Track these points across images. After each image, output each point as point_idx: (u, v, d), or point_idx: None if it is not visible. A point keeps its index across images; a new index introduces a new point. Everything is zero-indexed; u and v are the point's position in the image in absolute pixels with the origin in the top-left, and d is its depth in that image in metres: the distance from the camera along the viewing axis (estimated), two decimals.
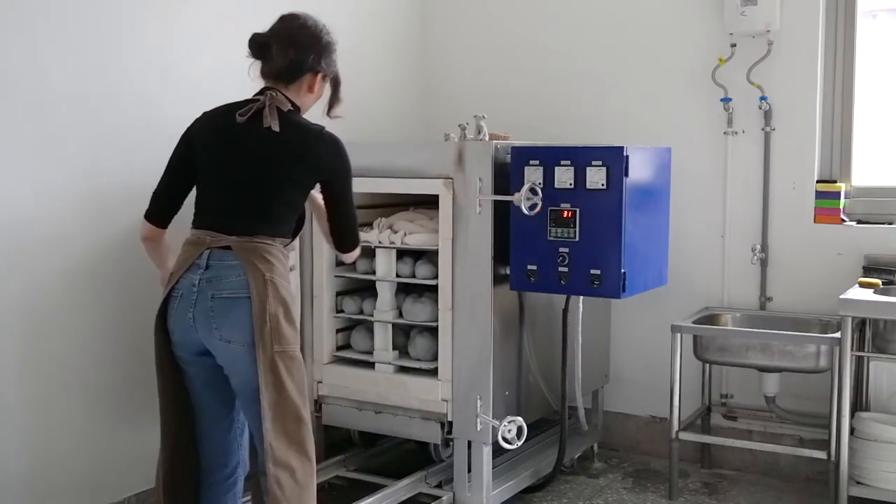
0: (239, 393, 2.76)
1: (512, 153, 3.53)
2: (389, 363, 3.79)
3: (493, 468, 3.65)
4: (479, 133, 3.60)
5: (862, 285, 3.75)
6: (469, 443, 3.58)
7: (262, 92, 2.84)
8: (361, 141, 4.39)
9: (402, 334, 3.87)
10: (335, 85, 3.01)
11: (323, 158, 2.81)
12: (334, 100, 3.02)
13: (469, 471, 3.59)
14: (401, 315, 3.81)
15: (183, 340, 2.76)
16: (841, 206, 4.13)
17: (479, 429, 3.52)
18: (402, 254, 3.82)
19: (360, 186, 3.73)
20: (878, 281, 3.77)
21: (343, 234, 2.96)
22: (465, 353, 3.56)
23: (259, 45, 2.86)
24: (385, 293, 3.81)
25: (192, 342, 2.74)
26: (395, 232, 3.78)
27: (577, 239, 3.43)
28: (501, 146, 3.54)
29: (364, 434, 4.05)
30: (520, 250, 3.52)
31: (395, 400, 3.74)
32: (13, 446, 3.16)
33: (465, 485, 3.60)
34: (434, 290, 3.70)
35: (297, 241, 2.95)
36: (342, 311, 3.94)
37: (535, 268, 3.50)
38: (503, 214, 3.51)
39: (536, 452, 4.04)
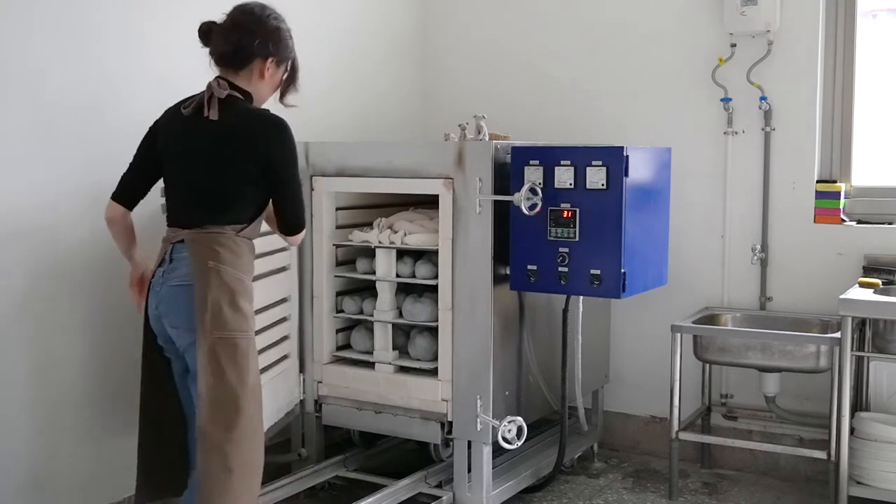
0: (192, 377, 2.80)
1: (512, 153, 3.53)
2: (389, 363, 3.78)
3: (493, 468, 3.64)
4: (479, 133, 3.60)
5: (862, 285, 3.75)
6: (469, 443, 3.58)
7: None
8: (362, 141, 4.42)
9: (402, 334, 3.87)
10: (292, 71, 3.01)
11: (264, 142, 2.78)
12: (288, 85, 3.01)
13: (469, 471, 3.59)
14: (401, 315, 3.81)
15: (156, 332, 2.85)
16: (841, 206, 4.13)
17: (479, 429, 3.52)
18: (402, 254, 3.82)
19: (361, 186, 3.77)
20: (878, 281, 3.77)
21: (286, 218, 2.90)
22: (465, 353, 3.56)
23: (203, 32, 2.87)
24: (385, 293, 3.81)
25: (161, 332, 2.83)
26: (395, 232, 3.77)
27: (577, 239, 3.43)
28: (501, 146, 3.54)
29: (364, 434, 4.05)
30: (520, 250, 3.52)
31: (395, 400, 3.74)
32: (17, 445, 3.17)
33: (465, 485, 3.60)
34: (434, 290, 3.70)
35: (259, 225, 2.92)
36: (342, 311, 3.94)
37: (535, 268, 3.50)
38: (503, 214, 3.51)
39: (536, 452, 4.04)
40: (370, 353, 3.86)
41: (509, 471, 3.84)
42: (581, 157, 3.43)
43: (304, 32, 4.27)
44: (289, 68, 3.00)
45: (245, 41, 2.84)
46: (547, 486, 4.00)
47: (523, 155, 3.51)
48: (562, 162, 3.44)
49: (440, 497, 3.60)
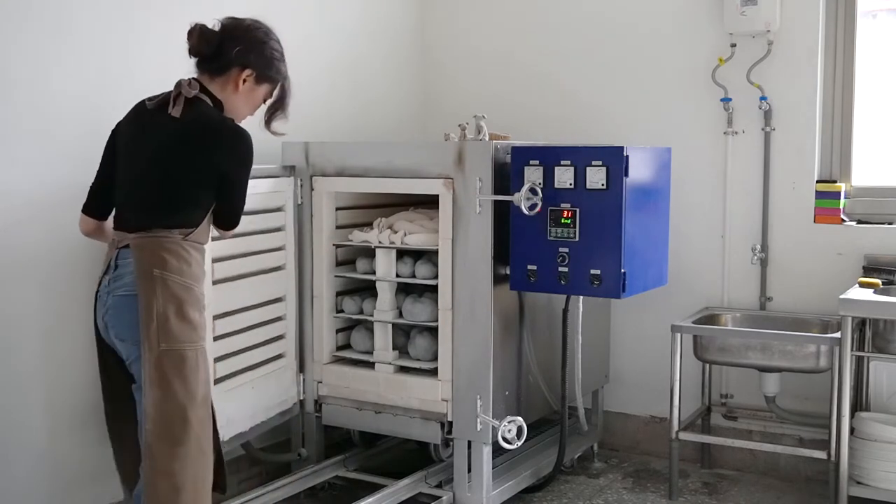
0: (137, 389, 2.71)
1: (512, 153, 3.53)
2: (389, 363, 3.78)
3: (493, 468, 3.65)
4: (479, 133, 3.60)
5: (862, 285, 3.76)
6: (469, 443, 3.58)
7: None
8: (362, 141, 4.42)
9: (402, 334, 3.87)
10: (280, 96, 2.93)
11: (220, 149, 2.70)
12: (275, 111, 2.94)
13: (469, 471, 3.59)
14: (401, 315, 3.81)
15: (106, 341, 2.78)
16: (841, 206, 4.13)
17: (479, 429, 3.52)
18: (402, 254, 3.82)
19: (361, 186, 3.77)
20: (878, 281, 3.77)
21: (226, 218, 2.83)
22: (465, 353, 3.56)
23: (189, 32, 2.78)
24: (385, 293, 3.81)
25: (111, 342, 2.76)
26: (395, 232, 3.77)
27: (577, 239, 3.43)
28: (501, 146, 3.54)
29: (364, 434, 4.05)
30: (520, 250, 3.52)
31: (395, 400, 3.74)
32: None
33: (465, 485, 3.60)
34: (434, 290, 3.70)
35: (209, 230, 2.80)
36: (342, 311, 3.94)
37: (535, 268, 3.50)
38: (503, 214, 3.51)
39: (536, 452, 4.04)
40: (370, 353, 3.85)
41: (509, 471, 3.84)
42: (581, 157, 3.43)
43: (305, 33, 4.31)
44: (276, 92, 2.93)
45: (225, 46, 2.77)
46: (547, 486, 4.00)
47: (523, 155, 3.51)
48: (562, 162, 3.44)
49: (440, 497, 3.60)
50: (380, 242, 3.79)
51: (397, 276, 3.80)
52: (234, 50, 2.77)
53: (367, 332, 3.89)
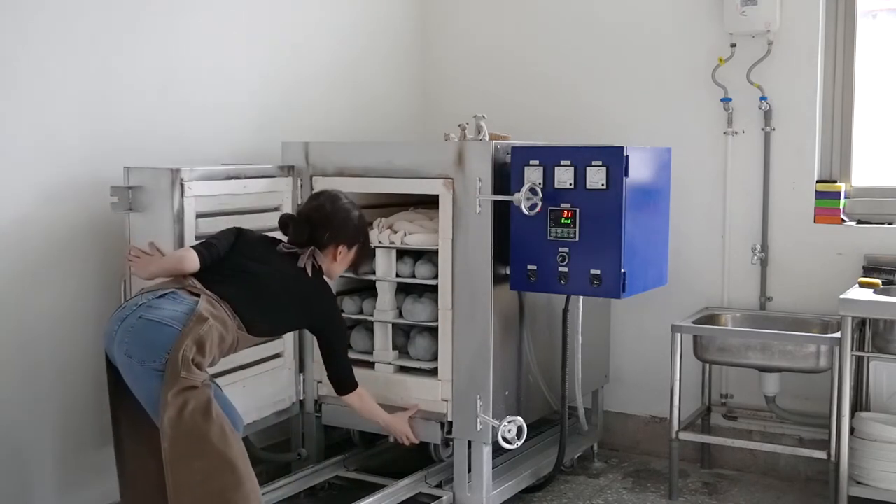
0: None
1: (512, 153, 3.53)
2: (389, 363, 3.78)
3: (493, 468, 3.65)
4: (479, 133, 3.60)
5: (862, 285, 3.75)
6: (469, 443, 3.58)
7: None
8: (362, 141, 4.42)
9: (402, 334, 3.87)
10: (364, 248, 3.46)
11: (319, 311, 3.33)
12: (361, 261, 3.49)
13: (469, 471, 3.59)
14: (401, 315, 3.80)
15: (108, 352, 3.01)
16: (841, 206, 4.13)
17: (479, 429, 3.52)
18: (402, 254, 3.82)
19: (361, 186, 3.77)
20: (878, 281, 3.77)
21: (331, 364, 3.42)
22: (465, 353, 3.56)
23: (282, 224, 3.36)
24: (385, 293, 3.81)
25: (112, 355, 2.98)
26: (395, 232, 3.77)
27: (577, 239, 3.43)
28: (501, 146, 3.54)
29: (364, 434, 4.05)
30: (520, 250, 3.52)
31: (394, 400, 3.72)
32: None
33: (465, 485, 3.60)
34: (434, 290, 3.70)
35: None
36: (342, 310, 3.92)
37: (535, 268, 3.50)
38: (503, 214, 3.50)
39: (536, 452, 4.03)
40: (370, 353, 3.85)
41: (509, 471, 3.84)
42: (581, 157, 3.42)
43: (305, 32, 4.32)
44: (361, 246, 3.39)
45: (317, 234, 3.25)
46: (547, 486, 4.00)
47: (523, 155, 3.51)
48: (562, 162, 3.44)
49: (440, 497, 3.60)
50: (379, 242, 3.78)
51: (397, 276, 3.79)
52: (325, 235, 3.27)
53: (367, 332, 3.89)
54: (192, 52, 3.73)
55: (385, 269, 3.81)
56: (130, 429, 2.99)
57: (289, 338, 3.81)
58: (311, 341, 3.87)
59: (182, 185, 3.23)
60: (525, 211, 3.37)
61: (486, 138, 3.58)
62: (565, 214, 3.44)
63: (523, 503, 3.90)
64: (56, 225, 3.25)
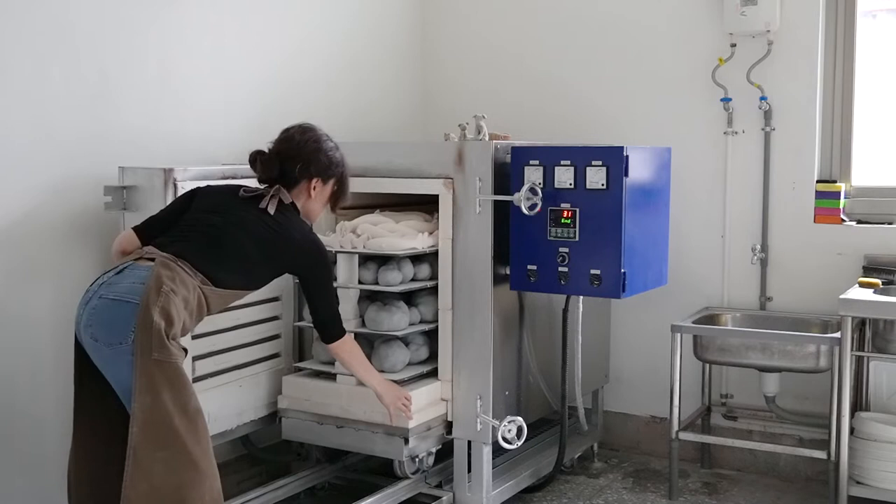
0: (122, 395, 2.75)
1: (512, 153, 3.53)
2: (351, 374, 3.48)
3: (493, 468, 3.64)
4: (479, 133, 3.59)
5: (862, 285, 3.75)
6: (469, 443, 3.58)
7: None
8: (362, 141, 4.41)
9: (367, 344, 3.59)
10: (340, 184, 3.19)
11: (301, 260, 3.05)
12: (338, 198, 3.21)
13: (469, 471, 3.59)
14: (364, 324, 3.59)
15: (78, 338, 2.83)
16: (841, 206, 4.13)
17: (479, 429, 3.52)
18: (365, 259, 3.60)
19: (361, 186, 3.76)
20: (878, 281, 3.77)
21: (319, 318, 3.15)
22: (465, 353, 3.56)
23: (251, 161, 3.09)
24: (347, 301, 3.54)
25: (82, 341, 2.81)
26: (358, 236, 3.55)
27: (577, 239, 3.43)
28: (501, 146, 3.54)
29: (328, 450, 3.83)
30: (520, 250, 3.52)
31: (357, 414, 3.50)
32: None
33: (464, 485, 3.60)
34: (399, 297, 3.56)
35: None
36: (302, 318, 3.71)
37: (535, 268, 3.50)
38: (503, 214, 3.50)
39: (536, 452, 4.04)
40: (331, 363, 3.60)
41: (509, 471, 3.84)
42: (581, 157, 3.43)
43: (305, 32, 4.31)
44: (337, 181, 3.15)
45: (287, 167, 3.02)
46: (547, 486, 4.00)
47: (523, 155, 3.51)
48: (562, 162, 3.44)
49: (440, 497, 3.60)
50: (341, 247, 3.57)
51: (360, 282, 3.58)
52: (295, 169, 3.03)
53: None
54: (192, 51, 3.73)
55: (346, 275, 3.59)
56: (88, 416, 2.84)
57: (287, 336, 3.80)
58: (310, 341, 3.87)
59: (175, 185, 3.22)
60: (525, 211, 3.37)
61: (486, 138, 3.58)
62: (565, 214, 3.44)
63: (523, 503, 3.90)
64: (56, 224, 3.25)
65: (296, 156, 3.03)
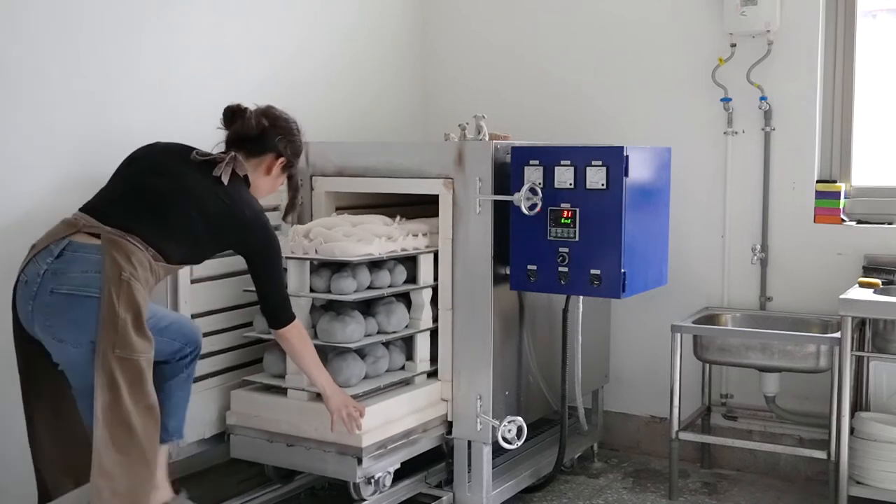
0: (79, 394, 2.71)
1: (512, 153, 3.53)
2: (303, 389, 3.33)
3: (493, 468, 3.64)
4: (479, 133, 3.59)
5: (862, 285, 3.75)
6: (469, 443, 3.58)
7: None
8: (362, 141, 4.42)
9: (320, 355, 3.25)
10: (293, 189, 3.14)
11: (251, 237, 2.95)
12: (293, 206, 3.17)
13: (469, 471, 3.59)
14: (315, 335, 3.37)
15: (26, 327, 2.74)
16: (841, 206, 4.13)
17: (479, 429, 3.52)
18: (318, 265, 3.41)
19: (361, 186, 3.77)
20: (878, 281, 3.77)
21: (266, 300, 3.03)
22: (464, 353, 3.56)
23: (230, 111, 3.05)
24: (298, 311, 3.20)
25: (31, 331, 2.73)
26: (311, 240, 3.36)
27: (577, 239, 3.43)
28: (501, 146, 3.54)
29: (279, 469, 3.61)
30: (520, 250, 3.52)
31: (308, 431, 3.30)
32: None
33: (465, 485, 3.60)
34: (354, 306, 3.38)
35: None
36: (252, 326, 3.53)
37: (535, 268, 3.50)
38: (503, 214, 3.51)
39: (536, 452, 4.03)
40: (282, 376, 3.41)
41: (509, 471, 3.83)
42: (581, 157, 3.43)
43: (305, 32, 4.31)
44: (289, 181, 3.11)
45: (268, 133, 2.98)
46: (547, 486, 4.00)
47: (523, 155, 3.51)
48: (562, 162, 3.44)
49: (440, 497, 3.60)
50: (292, 252, 3.36)
51: (311, 290, 3.39)
52: (275, 138, 2.99)
53: (280, 353, 3.36)
54: (192, 51, 3.73)
55: (297, 282, 3.39)
56: (45, 407, 2.81)
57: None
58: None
59: None
60: (525, 211, 3.37)
61: (486, 138, 3.58)
62: (565, 214, 3.44)
63: (523, 503, 3.90)
64: (55, 223, 3.24)
65: (281, 127, 3.01)
